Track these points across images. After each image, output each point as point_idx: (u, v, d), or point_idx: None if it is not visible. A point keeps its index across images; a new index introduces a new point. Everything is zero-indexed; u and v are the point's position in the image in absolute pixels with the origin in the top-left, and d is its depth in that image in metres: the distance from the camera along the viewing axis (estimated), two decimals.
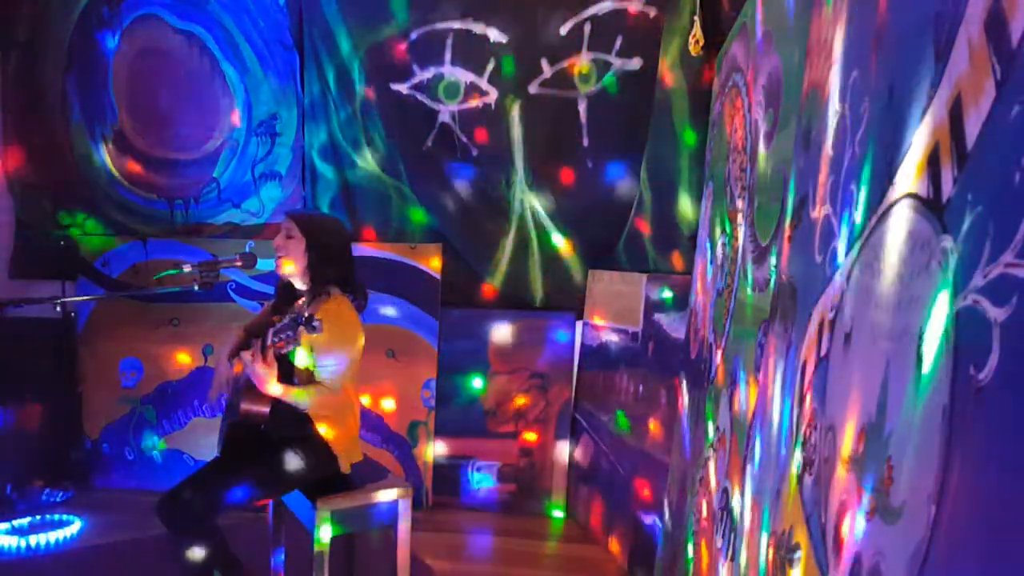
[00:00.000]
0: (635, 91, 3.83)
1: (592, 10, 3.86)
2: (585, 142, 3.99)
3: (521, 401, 4.01)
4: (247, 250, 2.66)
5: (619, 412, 3.52)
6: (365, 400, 3.97)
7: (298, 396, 2.43)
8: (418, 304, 4.05)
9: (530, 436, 4.02)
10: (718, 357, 2.39)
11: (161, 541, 2.35)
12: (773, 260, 1.86)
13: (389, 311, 4.03)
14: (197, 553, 2.31)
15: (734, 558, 1.87)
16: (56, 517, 3.65)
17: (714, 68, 3.24)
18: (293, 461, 2.49)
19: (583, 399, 4.02)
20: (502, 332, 4.11)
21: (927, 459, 0.89)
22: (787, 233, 1.72)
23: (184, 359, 4.16)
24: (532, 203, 4.11)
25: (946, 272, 0.91)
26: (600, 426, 3.83)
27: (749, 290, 2.08)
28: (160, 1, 4.20)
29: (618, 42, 3.86)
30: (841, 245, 1.31)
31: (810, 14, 1.73)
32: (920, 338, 0.95)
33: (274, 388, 2.39)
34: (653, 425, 3.31)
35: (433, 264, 4.08)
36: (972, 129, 0.88)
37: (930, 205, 0.98)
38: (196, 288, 2.55)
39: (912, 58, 1.09)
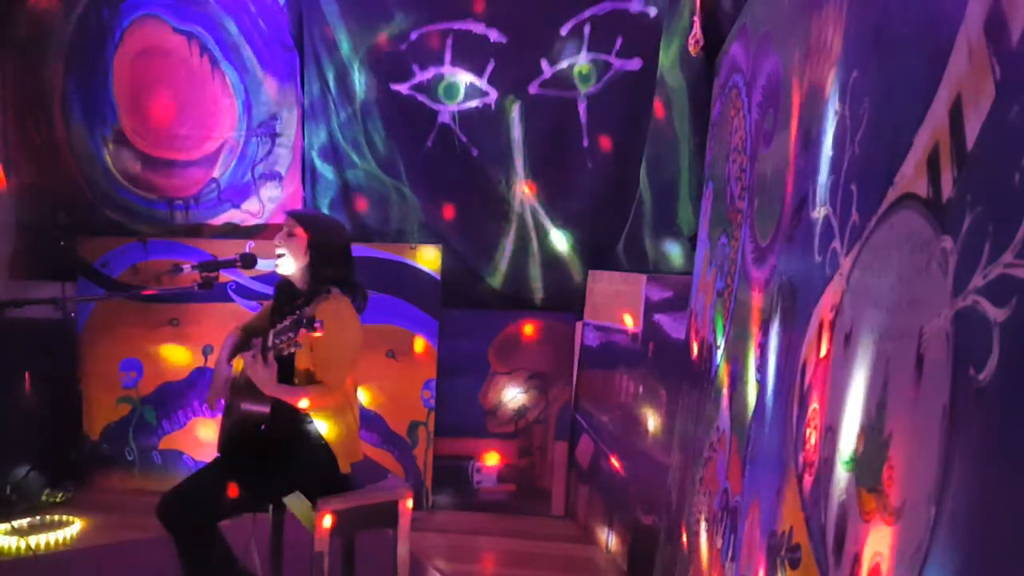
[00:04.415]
0: (635, 91, 3.83)
1: (592, 10, 3.86)
2: (585, 142, 3.99)
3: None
4: (247, 250, 2.65)
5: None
6: (365, 400, 3.97)
7: (298, 397, 2.43)
8: (418, 304, 4.05)
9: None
10: (718, 357, 2.39)
11: (161, 541, 2.34)
12: (773, 260, 1.86)
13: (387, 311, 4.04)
14: (197, 554, 2.31)
15: (734, 558, 1.87)
16: (56, 517, 3.64)
17: (714, 68, 3.23)
18: (293, 461, 2.49)
19: (583, 399, 4.02)
20: (502, 332, 4.11)
21: (927, 459, 0.89)
22: (787, 233, 1.72)
23: (184, 359, 4.16)
24: (532, 203, 4.11)
25: (946, 272, 0.91)
26: (600, 426, 3.83)
27: (749, 290, 2.08)
28: (160, 1, 4.19)
29: (618, 42, 3.86)
30: (841, 245, 1.31)
31: (810, 14, 1.73)
32: (920, 338, 0.95)
33: (274, 389, 2.39)
34: (653, 425, 3.31)
35: (433, 264, 4.07)
36: (972, 129, 0.88)
37: (930, 205, 0.98)
38: (196, 288, 2.56)
39: (912, 58, 1.09)
